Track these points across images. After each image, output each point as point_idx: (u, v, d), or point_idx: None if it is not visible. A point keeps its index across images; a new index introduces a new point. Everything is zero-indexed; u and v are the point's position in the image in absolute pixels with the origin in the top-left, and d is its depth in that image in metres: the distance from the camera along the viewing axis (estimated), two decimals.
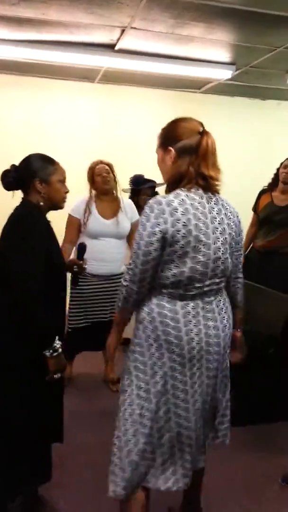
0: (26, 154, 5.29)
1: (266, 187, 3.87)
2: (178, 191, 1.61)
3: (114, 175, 3.26)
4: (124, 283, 1.64)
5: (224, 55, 3.88)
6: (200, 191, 1.63)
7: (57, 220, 2.03)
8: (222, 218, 1.66)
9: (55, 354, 1.78)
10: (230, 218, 1.71)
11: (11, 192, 1.91)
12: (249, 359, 2.85)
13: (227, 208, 1.71)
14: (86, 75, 4.61)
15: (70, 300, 3.27)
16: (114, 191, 3.28)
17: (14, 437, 1.84)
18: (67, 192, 1.95)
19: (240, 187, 4.54)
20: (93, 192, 3.27)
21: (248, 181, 4.07)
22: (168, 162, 1.66)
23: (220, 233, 1.64)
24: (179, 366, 1.64)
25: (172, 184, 1.66)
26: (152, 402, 1.66)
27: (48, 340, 1.77)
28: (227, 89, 4.98)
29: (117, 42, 3.64)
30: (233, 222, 1.72)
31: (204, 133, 1.64)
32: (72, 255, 3.00)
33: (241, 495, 2.36)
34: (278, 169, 3.74)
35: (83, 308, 3.26)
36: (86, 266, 2.28)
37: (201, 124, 1.68)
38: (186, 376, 1.66)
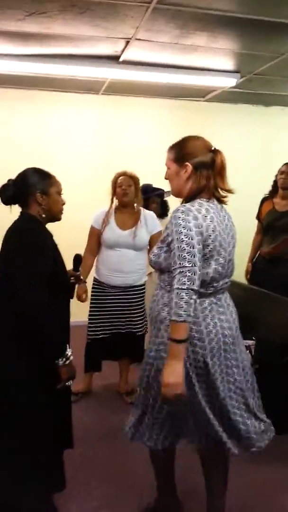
0: (32, 164, 5.28)
1: (267, 195, 3.89)
2: (199, 201, 1.76)
3: (136, 187, 3.22)
4: (183, 287, 1.60)
5: (228, 63, 3.90)
6: (215, 202, 1.82)
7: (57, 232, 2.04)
8: (230, 225, 1.88)
9: (67, 362, 1.80)
10: (233, 225, 1.93)
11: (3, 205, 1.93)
12: (262, 369, 2.83)
13: (230, 217, 1.92)
14: (90, 87, 4.66)
15: (90, 311, 3.29)
16: (135, 204, 3.27)
17: (24, 448, 1.83)
18: (64, 203, 1.99)
19: (244, 193, 4.53)
20: (116, 202, 3.26)
21: (252, 188, 4.08)
22: (183, 175, 1.80)
23: (231, 238, 1.86)
24: (201, 357, 1.75)
25: (192, 196, 1.79)
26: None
27: (60, 349, 1.80)
28: (231, 96, 5.00)
29: (121, 54, 3.67)
30: (234, 230, 1.93)
31: (217, 151, 1.81)
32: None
33: (261, 506, 2.33)
34: (276, 176, 3.77)
35: (101, 319, 3.25)
36: (82, 277, 2.28)
37: (210, 143, 1.85)
38: (208, 367, 1.75)
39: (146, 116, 5.20)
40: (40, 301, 1.70)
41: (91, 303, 3.26)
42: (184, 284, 1.60)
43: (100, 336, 3.26)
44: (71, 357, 1.82)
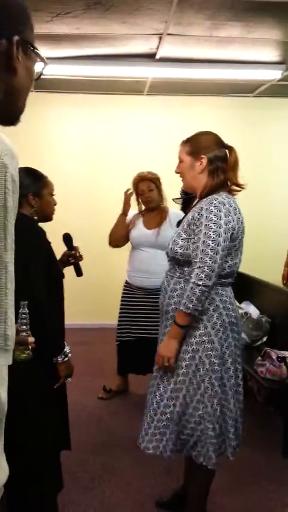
0: (81, 169, 5.32)
1: None
2: (224, 194, 1.80)
3: (159, 189, 3.13)
4: (199, 282, 1.69)
5: (271, 54, 3.67)
6: (231, 195, 1.85)
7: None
8: (242, 219, 1.88)
9: (66, 359, 1.81)
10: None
11: None
12: None
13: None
14: (133, 88, 4.62)
15: (119, 313, 3.27)
16: (161, 203, 3.18)
17: (31, 452, 1.80)
18: (55, 204, 1.98)
19: None
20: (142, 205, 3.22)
21: None
22: (198, 168, 1.83)
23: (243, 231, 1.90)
24: (237, 341, 1.88)
25: (212, 191, 1.81)
26: (224, 378, 1.84)
27: (60, 345, 1.81)
28: (282, 90, 4.72)
29: (157, 51, 3.59)
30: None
31: (231, 147, 1.86)
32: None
33: None
34: None
35: (129, 322, 3.21)
36: (81, 254, 2.22)
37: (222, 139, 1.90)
38: (239, 349, 1.90)
39: (194, 115, 5.02)
40: (43, 298, 1.72)
41: (120, 305, 3.25)
42: (201, 279, 1.69)
43: (126, 339, 3.22)
44: (70, 354, 1.83)
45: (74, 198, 4.91)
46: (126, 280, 3.27)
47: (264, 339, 3.37)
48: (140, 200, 3.17)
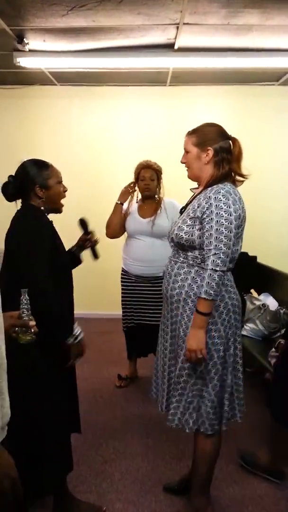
0: (103, 160, 5.36)
1: None
2: (229, 184, 1.86)
3: (158, 181, 3.18)
4: (217, 268, 1.77)
5: None
6: (234, 186, 1.92)
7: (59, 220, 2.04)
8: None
9: (76, 340, 1.84)
10: None
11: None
12: None
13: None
14: (155, 79, 4.61)
15: (121, 300, 3.35)
16: (157, 195, 3.21)
17: (40, 434, 1.86)
18: (66, 190, 1.99)
19: None
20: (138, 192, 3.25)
21: None
22: (204, 159, 1.91)
23: None
24: (238, 323, 1.98)
25: (216, 181, 1.87)
26: (226, 356, 1.93)
27: (68, 328, 1.85)
28: None
29: (175, 41, 3.57)
30: None
31: (234, 138, 1.94)
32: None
33: None
34: None
35: (130, 309, 3.30)
36: (97, 238, 2.24)
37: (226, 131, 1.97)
38: (239, 329, 1.99)
39: (217, 104, 4.96)
40: (47, 285, 1.77)
41: (121, 293, 3.32)
42: (218, 265, 1.77)
43: (130, 325, 3.32)
44: (80, 336, 1.87)
45: (98, 189, 4.98)
46: (123, 268, 3.31)
47: (282, 331, 3.33)
48: (137, 187, 3.19)
